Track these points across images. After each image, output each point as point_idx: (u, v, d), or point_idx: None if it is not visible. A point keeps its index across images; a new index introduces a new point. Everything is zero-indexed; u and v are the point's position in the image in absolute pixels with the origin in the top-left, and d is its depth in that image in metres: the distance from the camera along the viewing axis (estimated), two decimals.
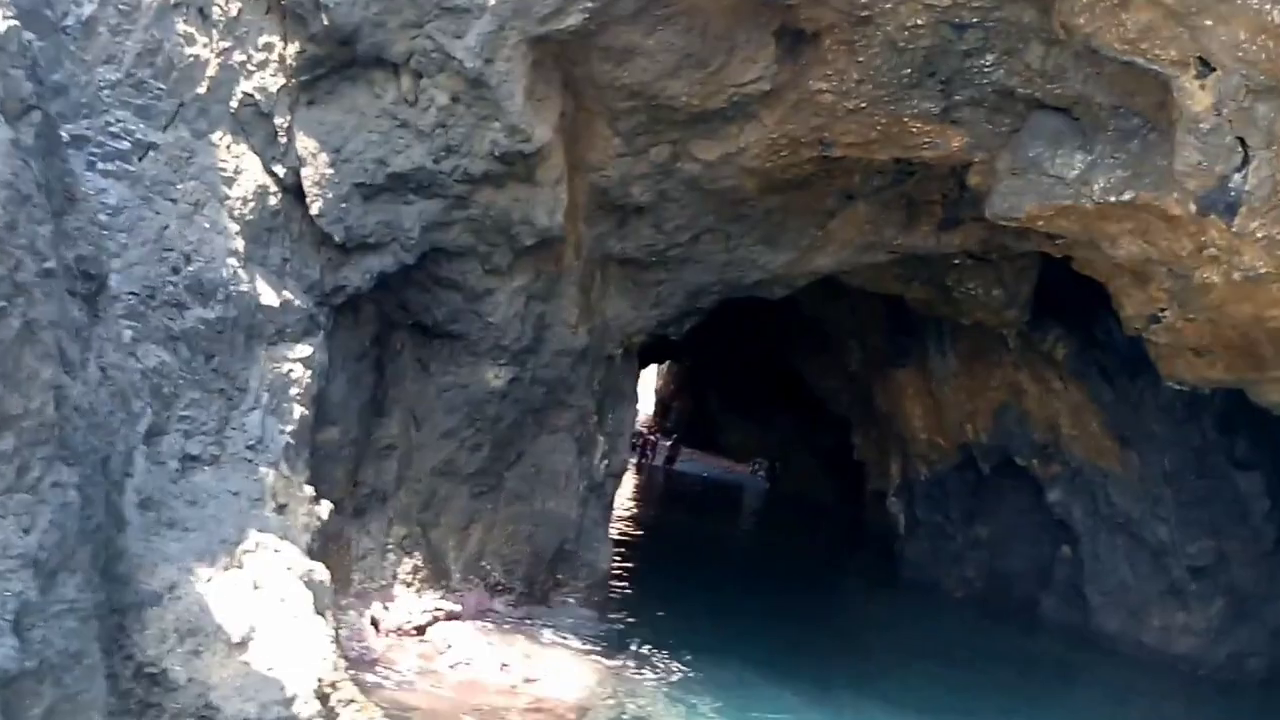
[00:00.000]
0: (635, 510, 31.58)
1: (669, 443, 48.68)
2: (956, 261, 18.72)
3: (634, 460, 45.83)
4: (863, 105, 13.72)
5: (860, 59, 13.19)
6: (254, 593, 9.30)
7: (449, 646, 13.45)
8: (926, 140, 14.19)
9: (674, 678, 14.70)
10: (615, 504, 18.38)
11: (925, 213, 16.85)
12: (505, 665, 13.27)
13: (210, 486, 11.19)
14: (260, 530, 11.04)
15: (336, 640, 10.37)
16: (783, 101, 13.79)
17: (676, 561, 24.26)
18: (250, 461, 11.64)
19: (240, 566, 9.95)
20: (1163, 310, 14.59)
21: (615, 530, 25.85)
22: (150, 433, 10.61)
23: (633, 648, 15.63)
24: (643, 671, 14.76)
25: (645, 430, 49.13)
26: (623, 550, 23.27)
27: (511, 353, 14.87)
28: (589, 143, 14.32)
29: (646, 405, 55.23)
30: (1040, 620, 22.63)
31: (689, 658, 15.58)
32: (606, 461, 17.60)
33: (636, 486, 39.52)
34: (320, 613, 10.17)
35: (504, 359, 14.87)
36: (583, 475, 16.89)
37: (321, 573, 10.54)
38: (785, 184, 15.46)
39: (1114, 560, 21.27)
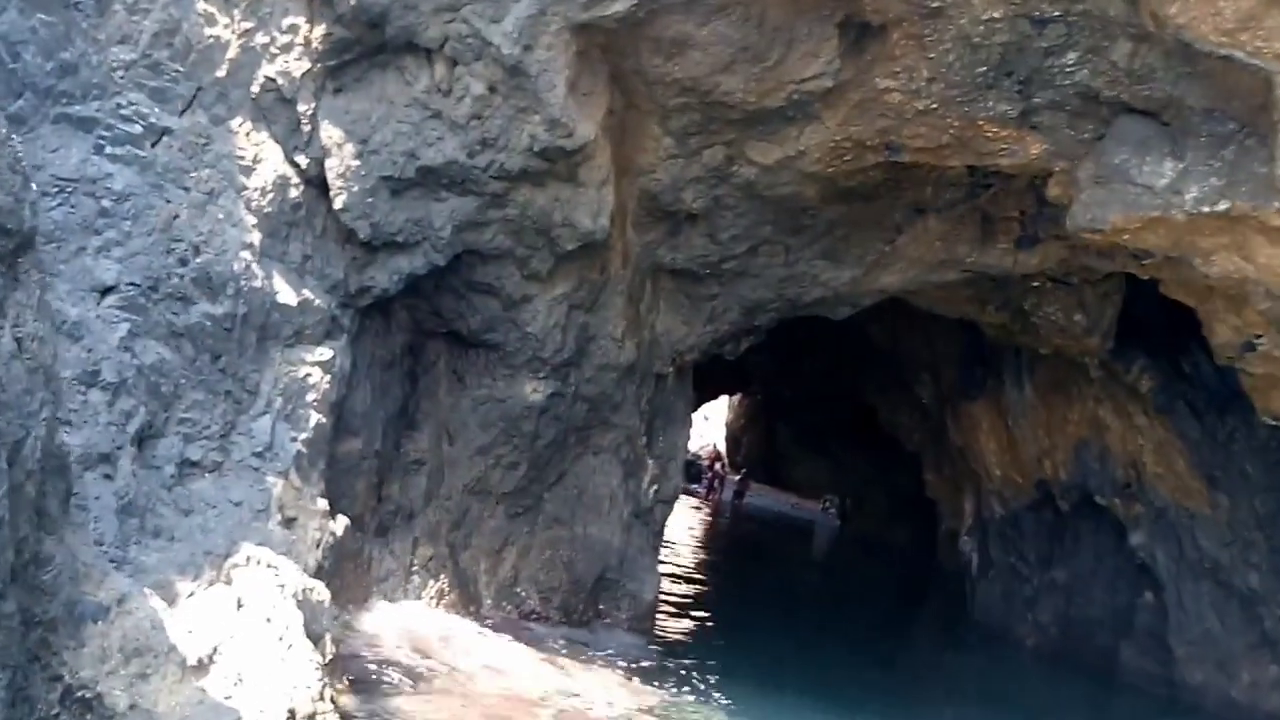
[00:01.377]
0: (701, 544, 30.59)
1: (738, 477, 47.61)
2: (1035, 284, 17.56)
3: (702, 493, 45.26)
4: (933, 106, 12.68)
5: (931, 55, 12.15)
6: (235, 611, 8.44)
7: (475, 654, 12.52)
8: (1003, 146, 13.11)
9: (720, 708, 13.62)
10: (667, 533, 17.33)
11: (1002, 230, 15.76)
12: (538, 676, 12.30)
13: (209, 495, 10.44)
14: (260, 543, 10.26)
15: (331, 665, 9.51)
16: (846, 100, 12.79)
17: (739, 598, 23.49)
18: (256, 470, 10.89)
19: (228, 582, 9.14)
20: (1259, 337, 13.43)
21: (679, 564, 25.08)
22: (143, 434, 9.87)
23: (680, 674, 14.64)
24: (687, 697, 13.74)
25: (714, 462, 48.45)
26: (684, 584, 22.46)
27: (551, 366, 13.98)
28: (638, 143, 13.44)
29: (718, 438, 54.74)
30: (1119, 672, 21.24)
31: (739, 691, 14.58)
32: (656, 486, 16.65)
33: (704, 520, 38.62)
34: (314, 635, 9.31)
35: (543, 372, 13.99)
36: (628, 500, 15.95)
37: (321, 592, 9.70)
38: (849, 193, 14.45)
39: (1200, 609, 19.86)
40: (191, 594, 8.75)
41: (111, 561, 8.39)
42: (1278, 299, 12.41)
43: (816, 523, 44.61)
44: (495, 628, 13.96)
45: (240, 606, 8.54)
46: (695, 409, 47.43)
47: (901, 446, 32.27)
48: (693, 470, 49.64)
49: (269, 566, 9.28)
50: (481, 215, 12.47)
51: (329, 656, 9.52)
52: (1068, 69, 12.07)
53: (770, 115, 12.90)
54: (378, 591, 12.91)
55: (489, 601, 14.42)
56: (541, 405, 14.17)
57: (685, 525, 34.51)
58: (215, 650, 7.24)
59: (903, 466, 33.37)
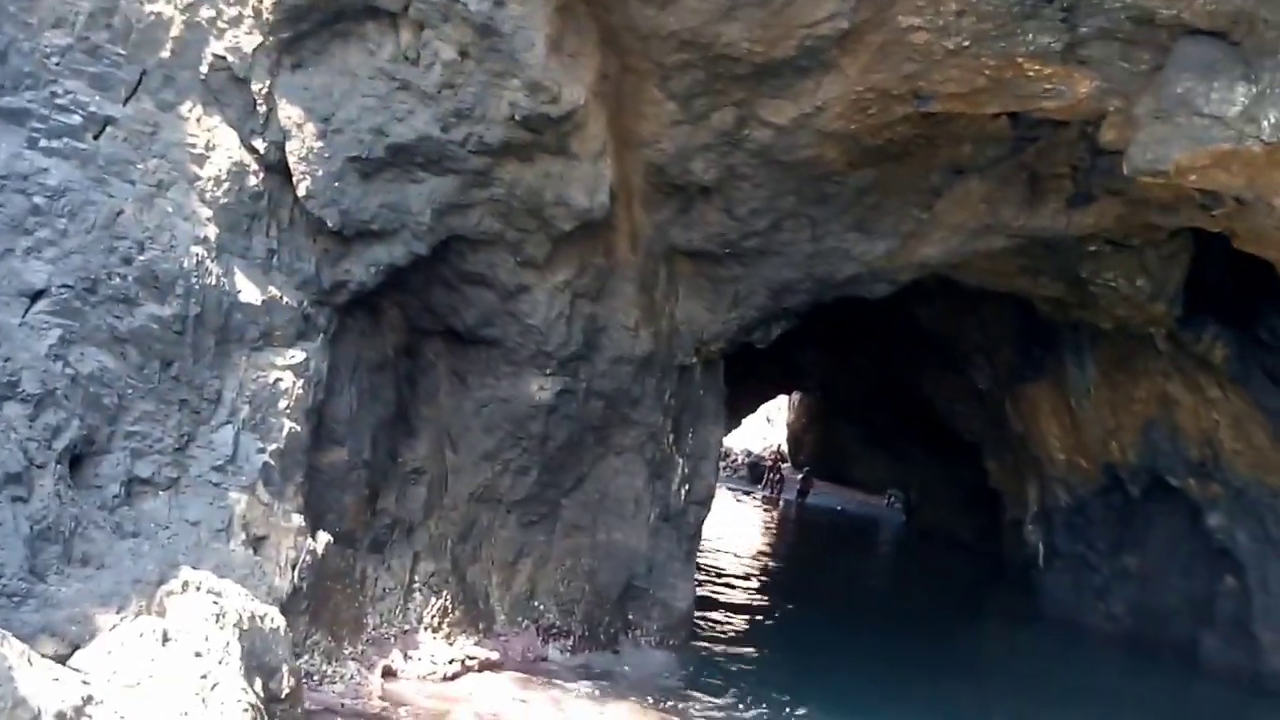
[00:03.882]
0: (764, 546, 29.38)
1: (800, 475, 46.48)
2: (1092, 248, 16.10)
3: (763, 493, 44.42)
4: (965, 44, 11.23)
5: None
6: (160, 647, 7.30)
7: (470, 697, 11.31)
8: (1047, 87, 11.64)
9: None
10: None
11: (1051, 188, 14.33)
12: None
13: (161, 515, 9.43)
14: (218, 565, 9.19)
15: (290, 699, 8.36)
16: (866, 45, 11.38)
17: (802, 600, 22.22)
18: (217, 485, 9.88)
19: (160, 612, 8.02)
20: None
21: (738, 566, 23.92)
22: (77, 450, 8.83)
23: (720, 694, 13.37)
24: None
25: (778, 463, 47.66)
26: (745, 588, 21.51)
27: (558, 360, 12.78)
28: (638, 110, 12.19)
29: (780, 439, 53.84)
30: (1200, 662, 19.84)
31: (799, 709, 13.38)
32: (687, 487, 15.41)
33: (767, 521, 37.41)
34: (267, 668, 8.17)
35: (550, 368, 12.79)
36: (655, 502, 14.72)
37: (275, 619, 8.55)
38: (878, 155, 13.12)
39: None
40: (114, 627, 7.67)
41: (11, 596, 7.33)
42: None
43: (881, 519, 43.43)
44: (507, 649, 12.81)
45: (167, 641, 7.40)
46: (753, 410, 47.11)
47: (964, 438, 30.88)
48: (756, 472, 48.92)
49: (209, 592, 8.15)
50: (464, 196, 11.27)
51: (285, 691, 8.37)
52: None
53: (781, 67, 11.56)
54: (374, 611, 11.74)
55: (502, 618, 13.22)
56: (550, 404, 12.96)
57: (748, 526, 33.45)
58: (87, 701, 6.05)
59: (965, 457, 31.95)
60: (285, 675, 8.58)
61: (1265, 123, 10.38)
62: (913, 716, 13.84)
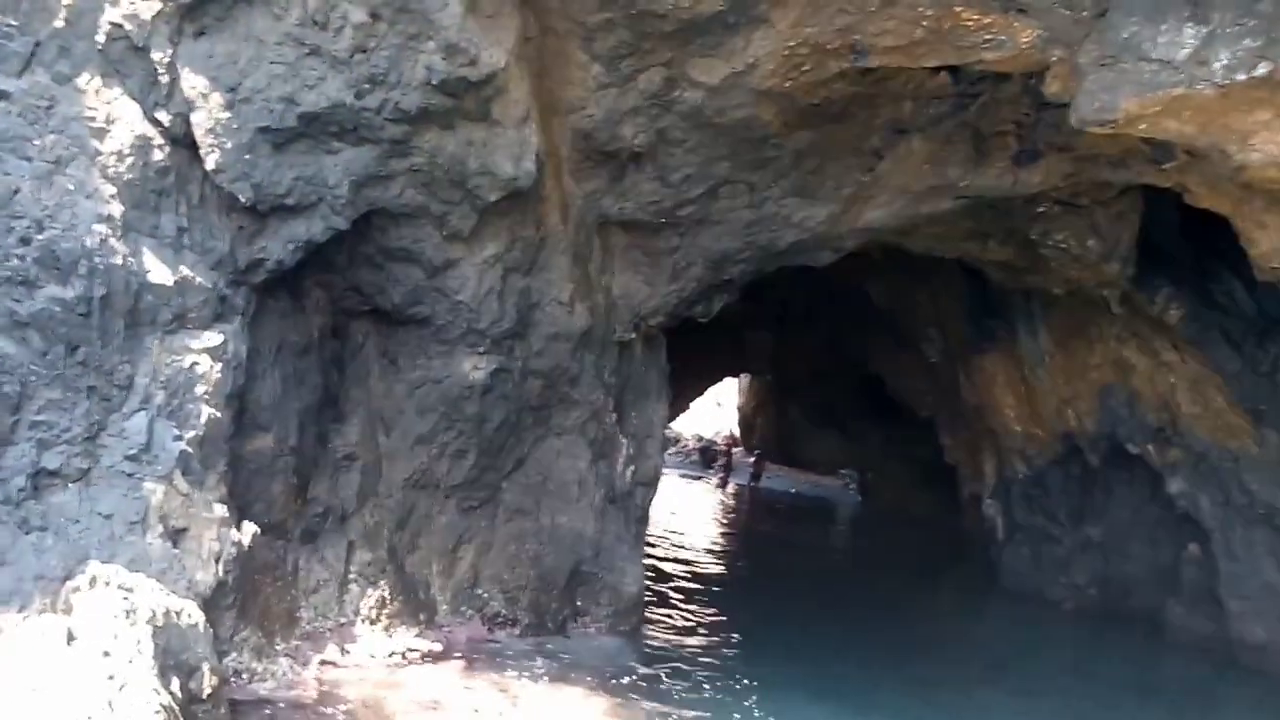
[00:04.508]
0: (716, 530, 28.97)
1: (752, 459, 46.06)
2: (1041, 209, 15.74)
3: (716, 479, 43.95)
4: None
5: None
6: (64, 646, 6.80)
7: (411, 684, 10.84)
8: (987, 38, 11.18)
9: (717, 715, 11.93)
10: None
11: (996, 145, 13.98)
12: (477, 710, 10.61)
13: (70, 508, 8.93)
14: (132, 560, 8.68)
15: (212, 700, 7.88)
16: None
17: (756, 583, 22.06)
18: (130, 476, 9.37)
19: (66, 610, 7.51)
20: None
21: (694, 551, 23.52)
22: None
23: (670, 680, 12.94)
24: (678, 710, 12.02)
25: (731, 448, 47.21)
26: (697, 572, 21.21)
27: (491, 338, 12.31)
28: (563, 74, 11.75)
29: (730, 421, 53.52)
30: (1166, 632, 19.55)
31: (754, 691, 12.94)
32: (633, 467, 14.96)
33: (718, 505, 37.44)
34: (186, 667, 7.69)
35: (483, 346, 12.33)
36: (600, 483, 14.28)
37: (194, 615, 8.07)
38: (816, 115, 12.72)
39: (1254, 558, 18.06)
40: (17, 627, 7.16)
41: None
42: None
43: (836, 500, 43.02)
44: (451, 640, 12.35)
45: (72, 640, 6.90)
46: (701, 393, 46.67)
47: (918, 414, 30.59)
48: (708, 456, 48.52)
49: (120, 588, 7.67)
50: (383, 167, 10.78)
51: (207, 691, 7.88)
52: None
53: (710, 23, 11.13)
54: (308, 605, 11.25)
55: (444, 608, 12.76)
56: (485, 384, 12.49)
57: (699, 511, 33.00)
58: None
59: (920, 434, 31.65)
60: (206, 674, 8.13)
61: (1216, 64, 9.93)
62: (873, 698, 13.41)
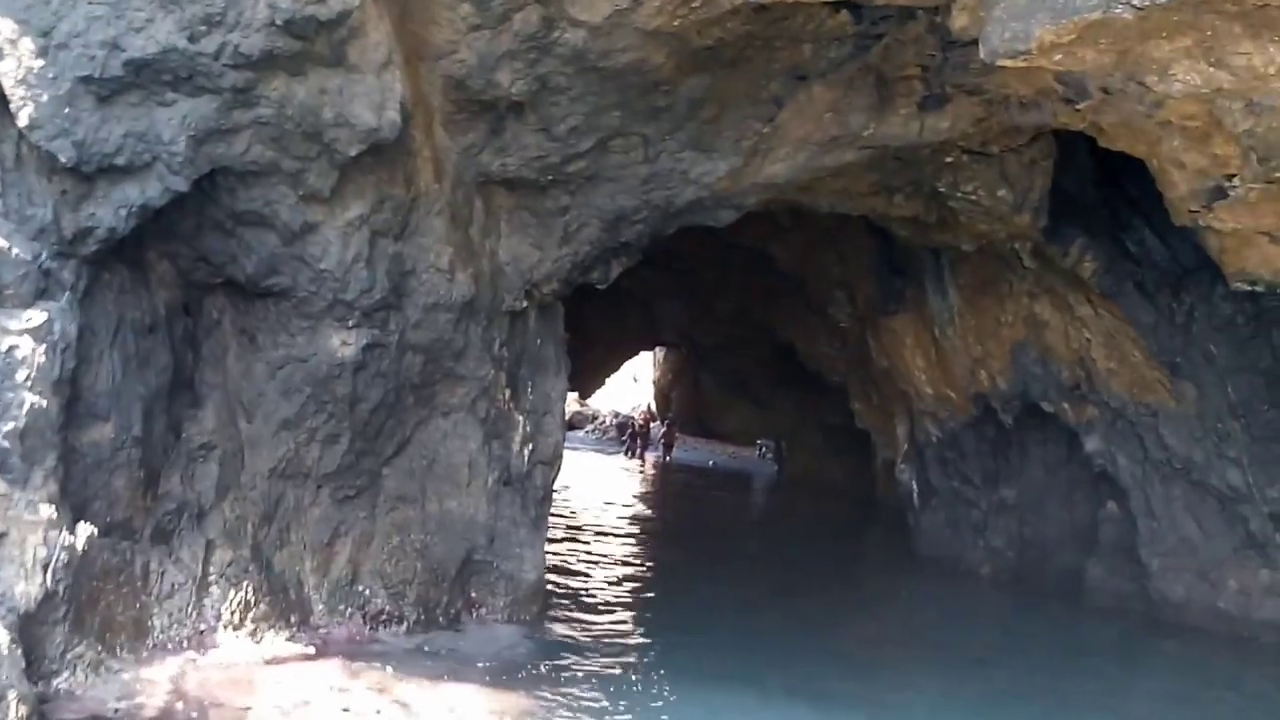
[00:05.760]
0: (628, 508, 28.20)
1: (663, 428, 45.50)
2: (949, 159, 14.95)
3: (626, 453, 43.53)
4: None
5: None
6: None
7: (279, 687, 9.77)
8: None
9: (621, 705, 11.02)
10: (551, 498, 14.61)
11: (901, 91, 13.11)
12: (348, 710, 9.58)
13: None
14: None
15: None
16: None
17: (668, 560, 21.14)
18: None
19: None
20: (1230, 178, 10.87)
21: (604, 529, 22.75)
22: None
23: (574, 672, 12.00)
24: (578, 699, 11.09)
25: (648, 423, 46.77)
26: (607, 552, 20.48)
27: (361, 310, 11.18)
28: (429, 14, 10.61)
29: (647, 396, 53.07)
30: (1086, 593, 19.06)
31: (664, 677, 12.08)
32: (530, 446, 13.94)
33: (633, 480, 36.92)
34: None
35: (352, 319, 11.18)
36: (493, 465, 13.25)
37: None
38: (710, 59, 11.74)
39: (1173, 514, 17.59)
40: None
41: None
42: (1261, 113, 9.80)
43: (753, 470, 42.61)
44: (328, 641, 11.27)
45: None
46: (617, 369, 45.94)
47: (829, 380, 29.99)
48: (625, 431, 47.88)
49: None
50: (225, 119, 9.58)
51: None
52: None
53: None
54: (161, 611, 10.10)
55: (320, 608, 11.63)
56: (356, 361, 11.36)
57: (611, 488, 32.27)
58: None
59: (833, 400, 31.10)
60: (13, 702, 6.99)
61: None
62: (790, 680, 12.59)
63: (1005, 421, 20.24)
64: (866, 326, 23.34)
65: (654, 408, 51.89)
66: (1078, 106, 11.85)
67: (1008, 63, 10.01)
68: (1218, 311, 16.33)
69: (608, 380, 47.92)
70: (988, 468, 21.25)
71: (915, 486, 22.96)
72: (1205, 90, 9.88)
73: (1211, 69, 9.59)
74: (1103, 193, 17.19)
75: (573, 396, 50.54)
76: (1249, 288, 13.44)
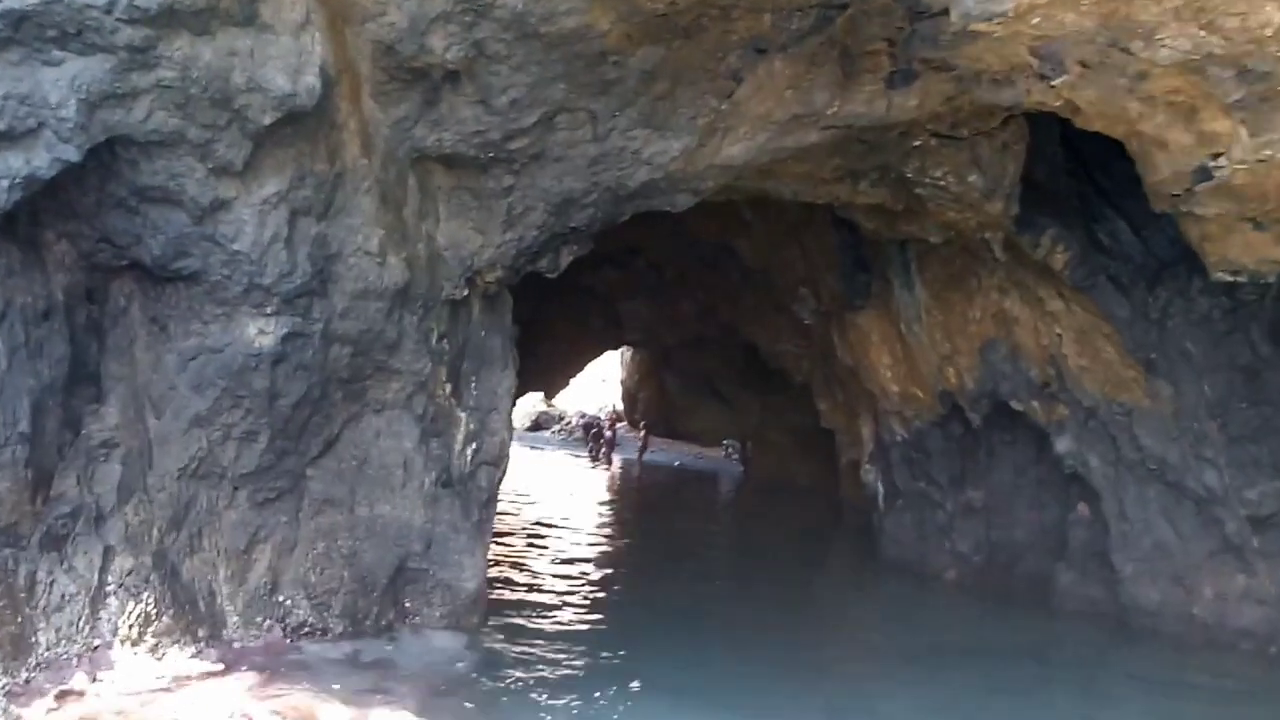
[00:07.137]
0: (590, 511, 27.61)
1: (642, 434, 44.93)
2: (917, 143, 14.12)
3: (591, 457, 43.03)
4: None
5: None
6: None
7: (181, 711, 8.87)
8: None
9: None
10: (496, 501, 13.76)
11: (867, 66, 12.27)
12: None
13: None
14: None
15: None
16: None
17: (630, 564, 20.56)
18: None
19: None
20: (1217, 157, 10.13)
21: (561, 533, 22.27)
22: None
23: (515, 686, 11.20)
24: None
25: (614, 425, 46.13)
26: (565, 555, 19.90)
27: (280, 297, 10.28)
28: None
29: (614, 396, 52.45)
30: (1056, 598, 18.23)
31: (616, 687, 11.35)
32: (474, 445, 13.09)
33: (597, 483, 36.59)
34: None
35: (270, 306, 10.29)
36: (431, 465, 12.37)
37: None
38: (663, 28, 10.91)
39: (1147, 517, 16.82)
40: None
41: None
42: (1254, 81, 9.04)
43: (719, 471, 41.97)
44: (242, 657, 10.35)
45: None
46: (581, 369, 45.17)
47: (794, 379, 29.27)
48: (590, 432, 47.12)
49: None
50: (122, 82, 8.69)
51: None
52: None
53: None
54: (49, 625, 9.16)
55: (235, 620, 10.71)
56: (276, 352, 10.46)
57: (574, 490, 31.66)
58: None
59: (798, 400, 30.37)
60: None
61: None
62: (749, 693, 11.83)
63: (973, 421, 19.48)
64: (831, 323, 22.55)
65: (621, 409, 51.09)
66: (1053, 83, 11.07)
67: (982, 26, 9.29)
68: (1194, 306, 15.65)
69: (573, 380, 47.16)
70: (954, 469, 20.49)
71: (880, 488, 22.19)
72: (1195, 57, 9.14)
73: (1202, 32, 8.85)
74: (1074, 182, 16.50)
75: (538, 397, 49.79)
76: (1231, 278, 12.74)
